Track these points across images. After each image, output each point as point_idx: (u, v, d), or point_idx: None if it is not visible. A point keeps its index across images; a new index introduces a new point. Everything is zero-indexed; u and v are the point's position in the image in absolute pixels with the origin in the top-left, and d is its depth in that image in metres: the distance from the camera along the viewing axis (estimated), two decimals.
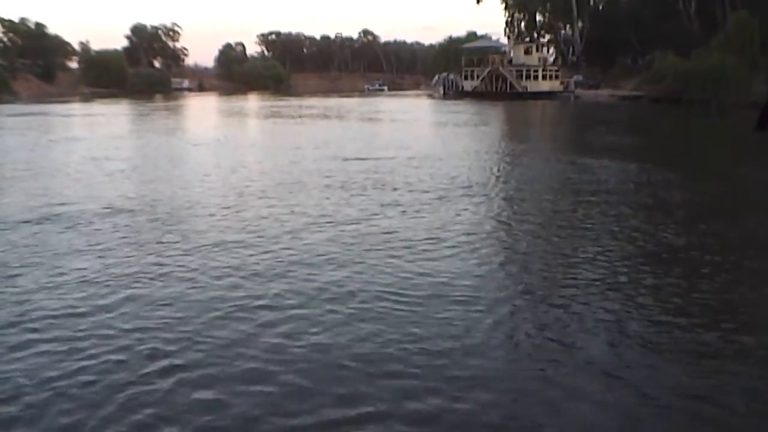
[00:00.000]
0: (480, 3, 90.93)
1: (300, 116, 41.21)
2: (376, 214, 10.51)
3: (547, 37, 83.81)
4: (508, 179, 15.01)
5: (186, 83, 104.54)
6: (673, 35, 64.95)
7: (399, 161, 17.20)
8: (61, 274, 7.22)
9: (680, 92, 53.35)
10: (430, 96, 76.12)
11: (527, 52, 67.70)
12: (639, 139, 26.19)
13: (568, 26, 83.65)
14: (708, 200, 12.48)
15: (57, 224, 9.84)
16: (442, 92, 75.64)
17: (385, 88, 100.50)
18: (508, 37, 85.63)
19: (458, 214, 10.56)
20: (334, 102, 61.88)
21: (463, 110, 45.56)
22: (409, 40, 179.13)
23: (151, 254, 8.05)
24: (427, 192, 12.59)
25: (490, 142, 24.31)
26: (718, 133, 31.81)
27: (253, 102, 64.64)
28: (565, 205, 11.71)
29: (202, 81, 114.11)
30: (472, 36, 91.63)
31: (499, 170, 16.52)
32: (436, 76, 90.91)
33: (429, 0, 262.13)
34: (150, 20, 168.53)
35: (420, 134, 27.75)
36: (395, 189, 12.93)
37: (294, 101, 63.11)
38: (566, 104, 58.05)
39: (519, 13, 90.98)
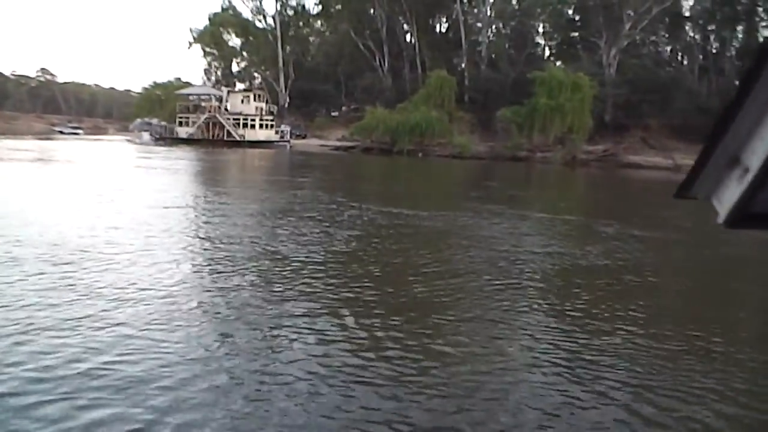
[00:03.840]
0: (191, 47, 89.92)
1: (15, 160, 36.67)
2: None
3: (240, 86, 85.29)
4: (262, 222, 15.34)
5: None
6: (371, 89, 70.55)
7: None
8: None
9: (390, 143, 58.20)
10: (131, 141, 72.29)
11: (244, 101, 68.20)
12: (379, 186, 29.01)
13: (259, 76, 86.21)
14: (416, 225, 14.60)
15: None
16: (147, 138, 72.39)
17: (81, 131, 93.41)
18: (213, 84, 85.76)
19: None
20: (34, 144, 55.86)
21: (188, 156, 44.41)
22: (88, 82, 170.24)
23: None
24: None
25: (240, 189, 24.47)
26: (432, 174, 37.76)
27: None
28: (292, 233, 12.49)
29: None
30: (178, 82, 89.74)
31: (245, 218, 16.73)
32: (137, 121, 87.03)
33: (113, 42, 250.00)
34: None
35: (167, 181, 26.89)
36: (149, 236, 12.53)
37: None
38: (284, 153, 59.49)
39: (216, 61, 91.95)
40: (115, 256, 10.17)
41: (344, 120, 73.71)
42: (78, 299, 7.55)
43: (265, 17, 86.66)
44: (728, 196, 1.04)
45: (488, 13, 73.71)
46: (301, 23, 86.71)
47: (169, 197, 19.57)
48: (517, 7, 75.36)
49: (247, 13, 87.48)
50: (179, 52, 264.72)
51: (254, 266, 10.17)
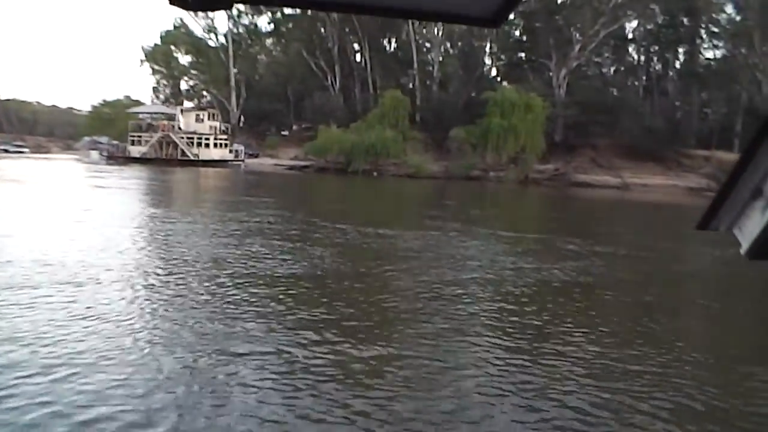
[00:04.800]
0: (142, 65, 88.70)
1: None
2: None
3: (189, 104, 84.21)
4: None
5: None
6: (322, 108, 70.31)
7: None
8: None
9: (345, 162, 58.30)
10: (80, 160, 70.85)
11: (198, 119, 67.51)
12: (342, 205, 29.12)
13: (208, 95, 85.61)
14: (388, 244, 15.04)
15: None
16: (96, 156, 71.10)
17: (27, 149, 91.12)
18: (163, 102, 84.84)
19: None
20: None
21: (143, 176, 43.71)
22: (30, 99, 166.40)
23: None
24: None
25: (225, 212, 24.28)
26: (391, 194, 38.40)
27: None
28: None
29: None
30: (128, 100, 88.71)
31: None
32: (84, 139, 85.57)
33: (55, 58, 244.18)
34: None
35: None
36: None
37: None
38: (239, 172, 59.09)
39: (165, 79, 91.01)
40: (103, 277, 10.32)
41: (296, 139, 73.44)
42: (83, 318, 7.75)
43: (216, 36, 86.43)
44: (751, 227, 1.05)
45: (438, 33, 74.55)
46: (250, 40, 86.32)
47: (136, 218, 19.61)
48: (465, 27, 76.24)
49: (199, 32, 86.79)
50: (126, 70, 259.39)
51: (237, 284, 10.42)
